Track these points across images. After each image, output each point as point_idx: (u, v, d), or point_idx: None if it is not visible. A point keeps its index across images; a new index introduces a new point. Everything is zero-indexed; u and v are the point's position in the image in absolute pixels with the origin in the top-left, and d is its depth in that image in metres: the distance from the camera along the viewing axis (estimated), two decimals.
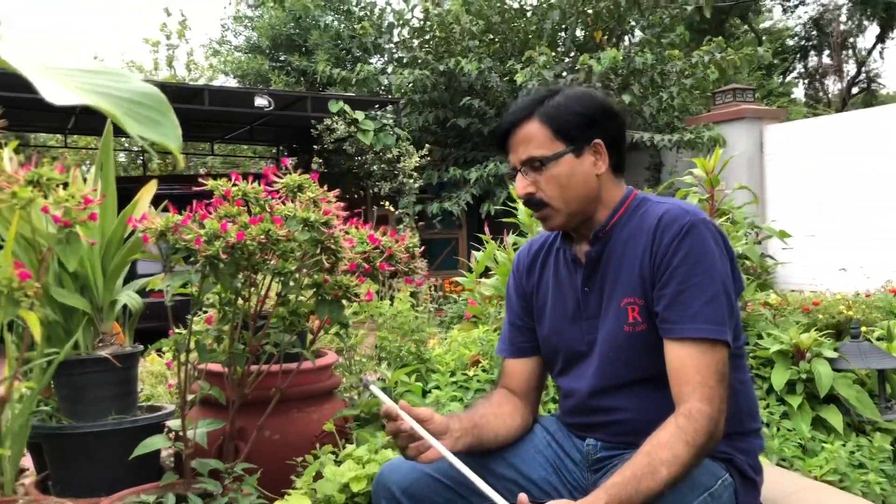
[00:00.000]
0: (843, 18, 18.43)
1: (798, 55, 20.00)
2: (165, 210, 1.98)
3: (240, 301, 2.00)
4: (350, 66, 10.67)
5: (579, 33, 9.94)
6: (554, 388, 2.54)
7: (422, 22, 9.78)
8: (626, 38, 10.54)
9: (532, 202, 1.56)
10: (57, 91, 0.76)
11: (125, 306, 2.35)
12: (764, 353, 2.99)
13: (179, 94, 9.21)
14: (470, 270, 3.78)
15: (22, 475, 2.59)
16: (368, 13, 10.22)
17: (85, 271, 2.21)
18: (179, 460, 2.18)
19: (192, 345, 1.97)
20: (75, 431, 2.17)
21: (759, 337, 3.12)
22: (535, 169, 1.54)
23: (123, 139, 13.59)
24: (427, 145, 9.13)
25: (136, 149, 14.30)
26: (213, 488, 1.93)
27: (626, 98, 8.60)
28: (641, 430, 1.40)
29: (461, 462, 1.38)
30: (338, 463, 2.06)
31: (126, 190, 2.59)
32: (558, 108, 1.57)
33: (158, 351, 2.92)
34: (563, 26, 9.64)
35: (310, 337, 2.33)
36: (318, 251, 1.82)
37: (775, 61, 18.53)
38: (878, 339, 3.29)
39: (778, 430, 2.75)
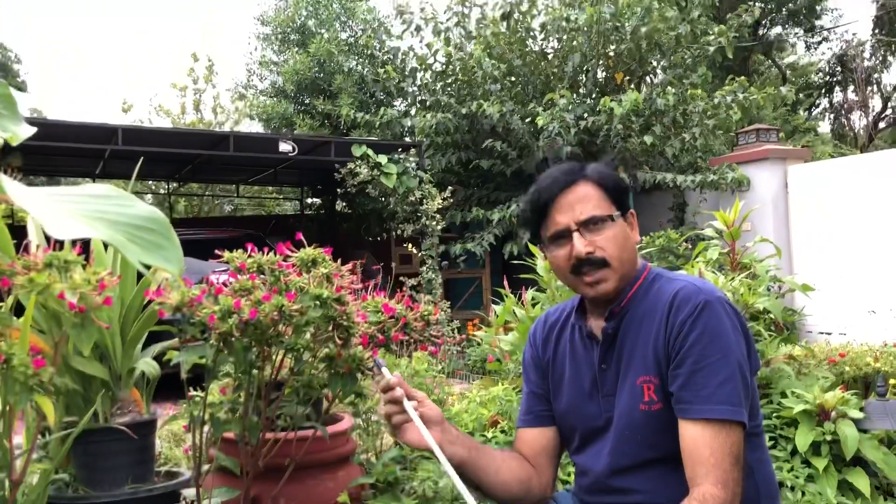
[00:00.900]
0: (867, 55, 18.36)
1: (823, 91, 19.92)
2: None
3: (254, 371, 2.01)
4: (374, 109, 10.80)
5: (601, 75, 9.99)
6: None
7: (444, 66, 9.89)
8: (648, 78, 10.56)
9: (593, 261, 1.54)
10: (63, 225, 0.78)
11: (143, 373, 2.37)
12: (787, 413, 2.94)
13: (205, 140, 9.37)
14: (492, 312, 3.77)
15: None
16: (391, 57, 10.36)
17: (104, 339, 2.24)
18: None
19: (207, 416, 1.98)
20: (91, 501, 2.18)
21: (783, 395, 3.07)
22: (594, 230, 1.54)
23: (151, 182, 13.82)
24: (450, 186, 9.18)
25: (162, 192, 14.53)
26: None
27: (648, 139, 8.60)
28: None
29: (440, 450, 1.46)
30: None
31: None
32: (604, 174, 1.60)
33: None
34: (585, 68, 9.69)
35: (325, 404, 2.33)
36: (330, 328, 1.82)
37: (800, 96, 18.47)
38: None
39: (803, 494, 2.69)
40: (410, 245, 8.62)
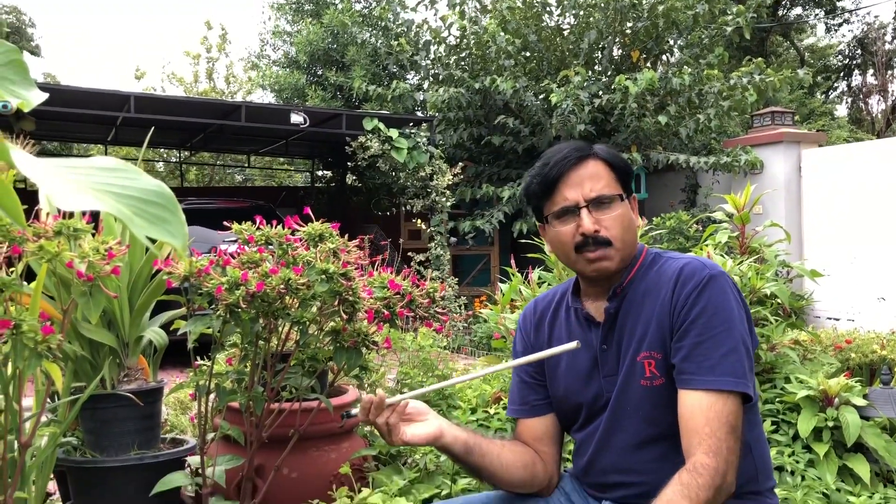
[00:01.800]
0: (889, 38, 18.10)
1: (841, 74, 19.68)
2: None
3: (260, 342, 2.03)
4: (386, 82, 10.75)
5: (616, 53, 9.90)
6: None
7: (458, 40, 9.82)
8: (665, 57, 10.46)
9: (598, 240, 1.54)
10: (71, 197, 0.78)
11: (150, 341, 2.39)
12: (790, 399, 2.94)
13: (217, 110, 9.37)
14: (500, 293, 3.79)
15: (48, 499, 2.65)
16: (405, 30, 10.28)
17: (112, 307, 2.26)
18: (200, 495, 2.21)
19: (213, 386, 2.01)
20: (98, 465, 2.22)
21: (787, 380, 3.07)
22: (601, 209, 1.54)
23: (163, 150, 13.85)
24: (461, 162, 9.16)
25: (174, 160, 14.55)
26: None
27: (663, 119, 8.54)
28: (657, 493, 1.39)
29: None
30: None
31: None
32: (613, 154, 1.60)
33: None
34: (601, 45, 9.61)
35: (330, 377, 2.35)
36: (336, 303, 1.84)
37: (818, 79, 18.26)
38: None
39: (802, 478, 2.70)
40: (419, 220, 8.62)
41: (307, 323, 1.93)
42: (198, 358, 2.14)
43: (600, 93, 8.73)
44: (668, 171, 9.50)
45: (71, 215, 1.76)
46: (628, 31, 9.59)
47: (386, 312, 1.99)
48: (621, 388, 1.55)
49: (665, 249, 1.71)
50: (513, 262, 4.02)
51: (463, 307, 8.29)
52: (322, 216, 2.04)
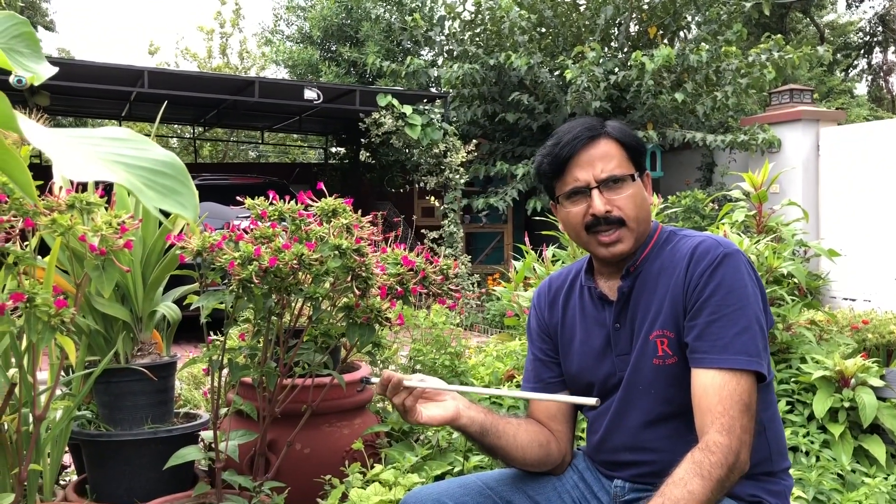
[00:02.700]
0: None
1: (861, 51, 19.38)
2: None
3: (273, 318, 2.03)
4: (400, 58, 10.67)
5: (633, 29, 9.77)
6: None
7: (473, 15, 9.72)
8: (682, 33, 10.32)
9: (610, 220, 1.51)
10: (80, 167, 0.77)
11: (164, 316, 2.40)
12: (806, 379, 2.92)
13: (231, 85, 9.34)
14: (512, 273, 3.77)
15: (63, 471, 2.67)
16: (420, 5, 10.19)
17: (125, 281, 2.26)
18: (213, 469, 2.23)
19: (225, 361, 2.01)
20: (112, 439, 2.23)
21: (802, 361, 3.04)
22: (613, 189, 1.52)
23: (177, 126, 13.86)
24: (475, 139, 9.11)
25: (187, 136, 14.56)
26: None
27: (679, 96, 8.45)
28: (669, 471, 1.38)
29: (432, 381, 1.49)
30: (365, 483, 2.08)
31: None
32: (625, 132, 1.57)
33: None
34: (617, 21, 9.49)
35: (343, 353, 2.35)
36: (349, 278, 1.82)
37: (838, 56, 17.99)
38: None
39: (817, 459, 2.69)
40: (433, 198, 8.59)
41: (320, 298, 1.92)
42: (211, 333, 2.14)
43: (616, 69, 8.64)
44: (685, 150, 9.41)
45: (84, 189, 1.75)
46: (645, 7, 9.47)
47: (399, 289, 1.98)
48: (634, 367, 1.53)
49: (680, 227, 1.68)
50: (527, 239, 4.00)
51: (476, 285, 8.29)
52: (335, 193, 2.03)
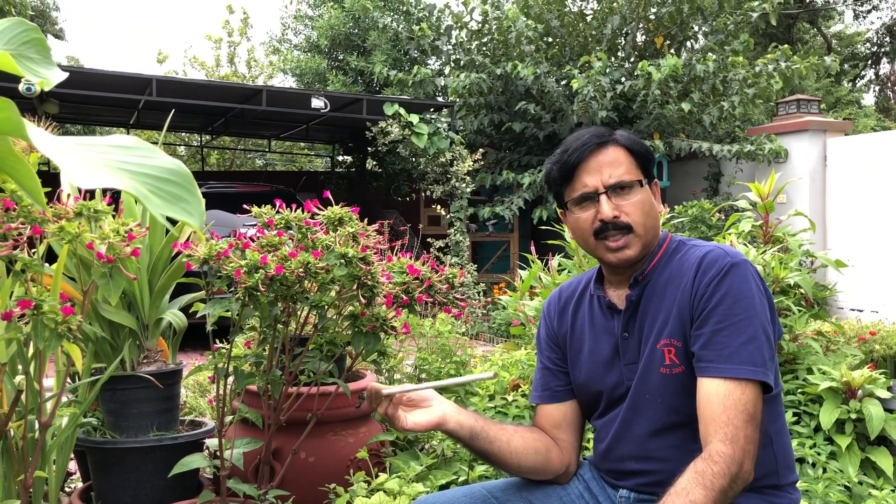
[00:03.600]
0: None
1: (869, 62, 19.35)
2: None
3: (279, 326, 2.03)
4: (407, 67, 10.71)
5: (640, 39, 9.78)
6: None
7: (480, 25, 9.75)
8: (689, 43, 10.32)
9: (618, 226, 1.52)
10: (86, 174, 0.77)
11: (170, 323, 2.40)
12: (813, 390, 2.91)
13: (238, 94, 9.39)
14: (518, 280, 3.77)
15: (69, 478, 2.68)
16: (427, 14, 10.23)
17: (132, 289, 2.27)
18: (218, 477, 2.22)
19: (231, 369, 2.01)
20: (117, 446, 2.23)
21: (809, 372, 3.03)
22: (621, 195, 1.52)
23: (184, 133, 13.92)
24: (481, 148, 9.12)
25: (195, 144, 14.62)
26: None
27: (686, 106, 8.44)
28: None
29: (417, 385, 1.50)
30: (370, 492, 2.07)
31: None
32: (633, 139, 1.58)
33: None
34: (624, 31, 9.50)
35: (348, 361, 2.35)
36: (354, 287, 1.83)
37: (845, 67, 17.97)
38: None
39: (824, 471, 2.67)
40: (439, 206, 8.60)
41: (326, 307, 1.93)
42: (217, 341, 2.15)
43: (623, 79, 8.64)
44: (691, 159, 9.40)
45: (92, 197, 1.76)
46: (652, 17, 9.48)
47: (404, 297, 1.98)
48: (641, 376, 1.53)
49: (690, 237, 1.68)
50: (532, 248, 4.00)
51: (482, 294, 8.28)
52: (342, 201, 2.03)
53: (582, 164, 1.54)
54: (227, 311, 1.90)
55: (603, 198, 1.52)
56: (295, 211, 2.01)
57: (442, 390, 2.58)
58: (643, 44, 9.77)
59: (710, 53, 8.90)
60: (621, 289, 1.61)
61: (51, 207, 1.57)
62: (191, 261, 1.90)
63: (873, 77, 19.98)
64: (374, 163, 9.29)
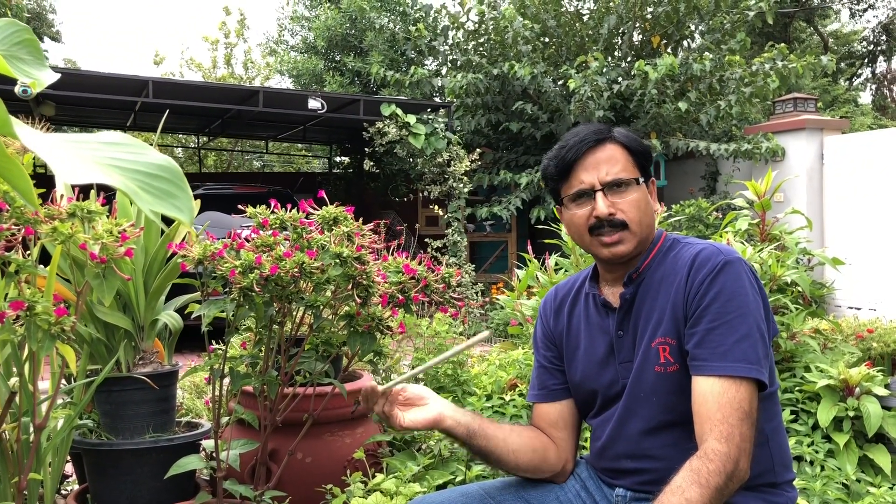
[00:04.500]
0: None
1: (865, 60, 19.37)
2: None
3: (274, 327, 2.02)
4: (404, 67, 10.70)
5: (637, 38, 9.78)
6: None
7: (477, 25, 9.75)
8: (686, 42, 10.32)
9: (614, 223, 1.52)
10: (71, 168, 0.77)
11: (166, 324, 2.39)
12: (810, 388, 2.90)
13: (235, 95, 9.38)
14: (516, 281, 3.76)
15: (65, 481, 2.67)
16: (423, 15, 10.22)
17: (127, 290, 2.26)
18: (214, 478, 2.22)
19: (227, 370, 2.00)
20: (113, 448, 2.22)
21: (807, 370, 3.03)
22: (617, 192, 1.52)
23: (182, 135, 13.91)
24: (478, 148, 9.12)
25: (192, 146, 14.60)
26: None
27: (683, 105, 8.44)
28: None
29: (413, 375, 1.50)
30: (367, 493, 2.07)
31: None
32: (630, 137, 1.58)
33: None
34: (621, 31, 9.50)
35: (345, 362, 2.34)
36: (350, 287, 1.82)
37: (842, 66, 17.99)
38: None
39: (822, 469, 2.67)
40: (437, 207, 8.60)
41: (321, 307, 1.92)
42: (212, 342, 2.14)
43: (619, 79, 8.64)
44: (688, 159, 9.40)
45: (86, 197, 1.75)
46: (648, 17, 9.48)
47: (400, 297, 1.97)
48: (636, 375, 1.53)
49: (685, 235, 1.68)
50: (530, 248, 3.99)
51: (480, 293, 8.28)
52: (339, 202, 2.03)
53: (579, 161, 1.54)
54: (223, 311, 1.89)
55: (599, 195, 1.52)
56: (290, 211, 2.00)
57: (439, 389, 2.57)
58: (640, 43, 9.77)
59: (706, 52, 8.90)
60: (616, 287, 1.60)
61: (44, 208, 1.56)
62: (186, 261, 1.89)
63: (870, 75, 20.01)
64: (372, 163, 9.28)
